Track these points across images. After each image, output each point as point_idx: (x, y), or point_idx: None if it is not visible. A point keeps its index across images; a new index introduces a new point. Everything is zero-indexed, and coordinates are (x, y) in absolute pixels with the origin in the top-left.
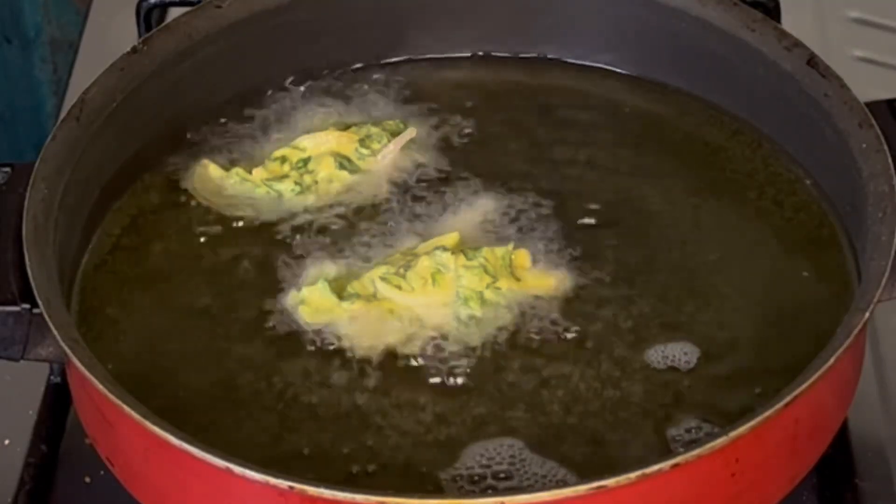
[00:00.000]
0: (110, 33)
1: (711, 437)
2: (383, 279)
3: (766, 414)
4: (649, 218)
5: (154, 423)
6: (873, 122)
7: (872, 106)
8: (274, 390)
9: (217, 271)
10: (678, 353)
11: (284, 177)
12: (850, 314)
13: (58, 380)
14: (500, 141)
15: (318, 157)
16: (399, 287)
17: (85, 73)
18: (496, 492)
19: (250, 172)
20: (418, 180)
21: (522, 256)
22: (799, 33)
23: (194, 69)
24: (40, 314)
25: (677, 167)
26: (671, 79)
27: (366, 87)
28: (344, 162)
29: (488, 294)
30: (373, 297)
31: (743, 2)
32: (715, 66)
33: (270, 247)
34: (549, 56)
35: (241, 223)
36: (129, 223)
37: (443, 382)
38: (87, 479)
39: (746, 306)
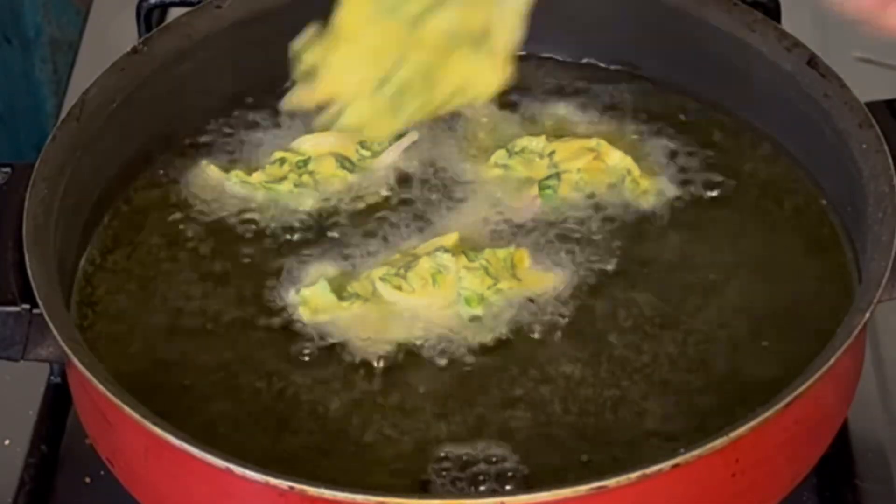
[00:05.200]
0: (110, 33)
1: (711, 437)
2: (383, 280)
3: (766, 414)
4: (649, 218)
5: (154, 423)
6: (873, 122)
7: (872, 106)
8: (274, 390)
9: (216, 271)
10: (678, 353)
11: (283, 178)
12: (850, 314)
13: (58, 380)
14: None
15: (319, 157)
16: (399, 288)
17: (85, 73)
18: (497, 491)
19: (250, 174)
20: (418, 181)
21: (523, 256)
22: (799, 33)
23: (194, 69)
24: (40, 314)
25: (676, 168)
26: (671, 78)
27: None
28: (345, 162)
29: (489, 294)
30: (373, 297)
31: (743, 2)
32: (715, 66)
33: (270, 247)
34: (548, 55)
35: (240, 224)
36: (128, 223)
37: (443, 382)
38: (87, 479)
39: (746, 306)
